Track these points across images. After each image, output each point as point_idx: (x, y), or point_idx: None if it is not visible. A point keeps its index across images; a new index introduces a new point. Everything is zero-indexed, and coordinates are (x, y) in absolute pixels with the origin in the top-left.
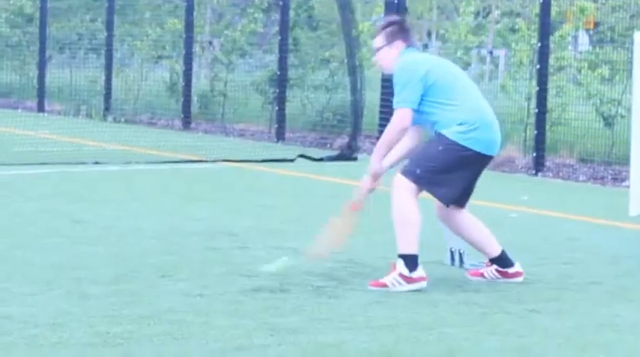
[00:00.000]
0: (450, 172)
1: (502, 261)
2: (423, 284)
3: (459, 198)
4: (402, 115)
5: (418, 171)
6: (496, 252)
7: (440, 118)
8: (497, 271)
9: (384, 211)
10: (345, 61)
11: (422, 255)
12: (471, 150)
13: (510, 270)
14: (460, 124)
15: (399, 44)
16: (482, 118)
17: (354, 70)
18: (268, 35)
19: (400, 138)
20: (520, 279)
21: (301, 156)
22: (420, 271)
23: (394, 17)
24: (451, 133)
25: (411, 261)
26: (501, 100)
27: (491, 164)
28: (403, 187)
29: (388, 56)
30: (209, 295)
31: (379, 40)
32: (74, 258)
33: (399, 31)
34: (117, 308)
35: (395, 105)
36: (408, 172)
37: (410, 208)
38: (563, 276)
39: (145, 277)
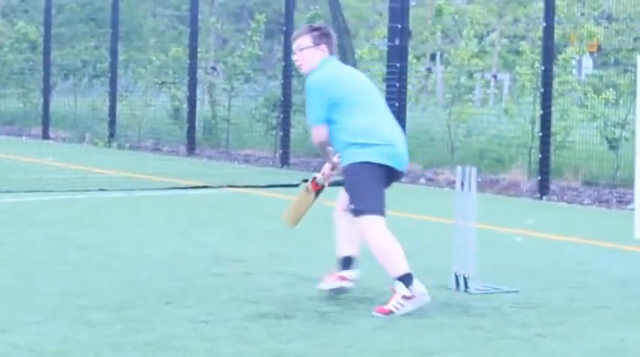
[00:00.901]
0: (375, 188)
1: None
2: (426, 298)
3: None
4: (316, 132)
5: (367, 202)
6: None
7: (334, 139)
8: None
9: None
10: None
11: (427, 279)
12: (370, 163)
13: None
14: (351, 145)
15: (324, 48)
16: (376, 136)
17: None
18: (273, 61)
19: (326, 145)
20: (344, 284)
21: (305, 181)
22: (417, 285)
23: (321, 24)
24: (348, 157)
25: (406, 279)
26: (505, 123)
27: (496, 188)
28: (368, 225)
29: (312, 57)
30: (214, 322)
31: (306, 41)
32: (79, 285)
33: (326, 36)
34: (122, 335)
35: (309, 120)
36: (360, 211)
37: (384, 239)
38: (570, 300)
39: (150, 304)
